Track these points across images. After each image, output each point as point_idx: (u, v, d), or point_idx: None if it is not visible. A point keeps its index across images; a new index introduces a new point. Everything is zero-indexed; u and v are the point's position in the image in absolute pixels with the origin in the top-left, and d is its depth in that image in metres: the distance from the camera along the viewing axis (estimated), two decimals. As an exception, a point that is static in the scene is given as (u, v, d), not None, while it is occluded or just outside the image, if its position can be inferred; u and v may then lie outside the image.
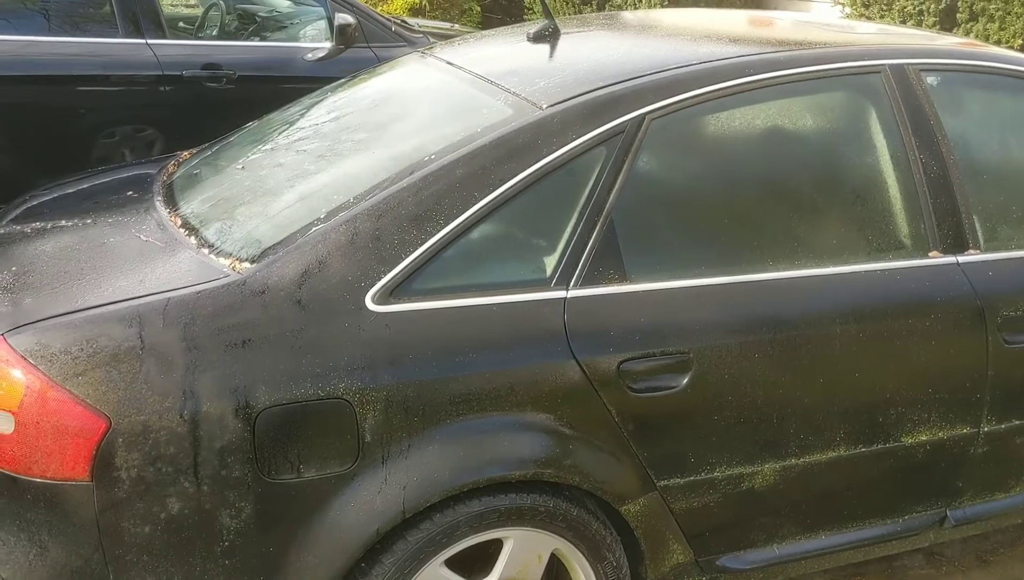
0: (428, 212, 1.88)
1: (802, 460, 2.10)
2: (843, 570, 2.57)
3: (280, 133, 2.56)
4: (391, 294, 1.82)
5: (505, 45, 2.70)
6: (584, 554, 1.99)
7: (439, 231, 1.87)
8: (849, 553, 2.30)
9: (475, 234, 1.91)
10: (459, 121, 2.15)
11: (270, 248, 1.87)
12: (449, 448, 1.83)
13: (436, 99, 2.42)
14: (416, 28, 5.36)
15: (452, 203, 1.89)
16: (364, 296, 1.81)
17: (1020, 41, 5.85)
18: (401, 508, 1.79)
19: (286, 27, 5.14)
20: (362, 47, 4.69)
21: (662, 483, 2.02)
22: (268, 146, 2.49)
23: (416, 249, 1.85)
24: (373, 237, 1.85)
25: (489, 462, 1.86)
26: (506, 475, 1.86)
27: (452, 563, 1.91)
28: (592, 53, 2.46)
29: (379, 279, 1.82)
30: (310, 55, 4.66)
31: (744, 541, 2.18)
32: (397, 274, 1.83)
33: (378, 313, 1.80)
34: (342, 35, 4.57)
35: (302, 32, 4.96)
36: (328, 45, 4.63)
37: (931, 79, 2.27)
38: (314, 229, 1.87)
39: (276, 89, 4.19)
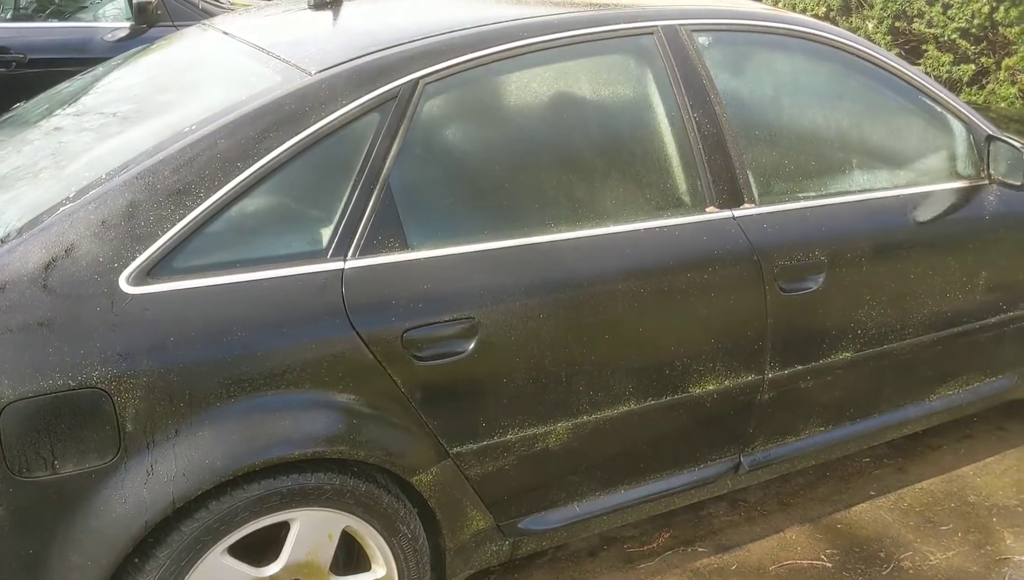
0: (187, 185, 1.78)
1: (594, 417, 2.13)
2: (652, 522, 2.63)
3: (45, 112, 2.39)
4: (148, 274, 1.72)
5: (287, 14, 2.61)
6: (377, 529, 1.95)
7: (199, 205, 1.78)
8: (650, 506, 2.35)
9: (241, 207, 1.83)
10: (226, 91, 2.06)
11: (14, 231, 1.74)
12: (222, 433, 1.75)
13: (206, 70, 2.32)
14: (228, 4, 5.16)
15: (213, 175, 1.80)
16: (117, 277, 1.70)
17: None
18: (171, 499, 1.70)
19: (85, 7, 4.88)
20: (166, 26, 4.49)
21: (455, 450, 2.00)
22: (29, 126, 2.32)
23: (174, 225, 1.76)
24: (126, 214, 1.74)
25: (267, 444, 1.79)
26: (285, 456, 1.80)
27: (237, 550, 1.83)
28: (371, 19, 2.40)
29: (133, 259, 1.72)
30: (109, 36, 4.42)
31: (545, 502, 2.19)
32: (154, 253, 1.73)
33: (134, 295, 1.70)
34: (142, 13, 4.38)
35: (101, 11, 4.71)
36: (128, 24, 4.42)
37: (703, 39, 2.33)
38: (61, 209, 1.75)
39: (71, 73, 3.94)
